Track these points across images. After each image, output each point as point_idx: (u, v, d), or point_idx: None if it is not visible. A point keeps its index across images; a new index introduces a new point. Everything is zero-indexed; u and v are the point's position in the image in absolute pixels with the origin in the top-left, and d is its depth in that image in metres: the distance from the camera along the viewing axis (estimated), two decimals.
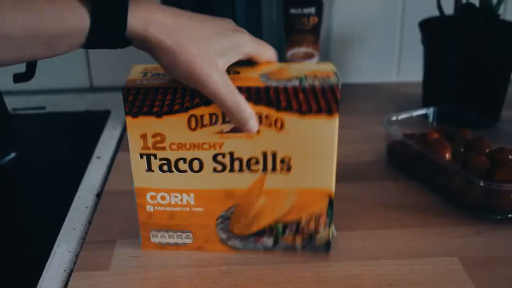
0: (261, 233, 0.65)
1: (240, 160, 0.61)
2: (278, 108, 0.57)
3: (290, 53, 0.99)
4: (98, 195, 0.79)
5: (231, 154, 0.60)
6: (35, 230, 0.74)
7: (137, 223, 0.66)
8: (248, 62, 0.61)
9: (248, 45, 0.59)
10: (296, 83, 0.57)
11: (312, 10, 0.95)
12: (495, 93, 0.95)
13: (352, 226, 0.71)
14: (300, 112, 0.57)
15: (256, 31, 0.89)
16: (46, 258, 0.66)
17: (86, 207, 0.76)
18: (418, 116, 0.89)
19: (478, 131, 0.82)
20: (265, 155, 0.60)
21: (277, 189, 0.62)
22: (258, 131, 0.59)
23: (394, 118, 0.86)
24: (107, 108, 1.05)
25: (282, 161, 0.60)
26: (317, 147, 0.59)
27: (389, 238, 0.69)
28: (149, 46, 0.54)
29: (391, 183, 0.80)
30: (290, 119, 0.58)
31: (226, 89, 0.55)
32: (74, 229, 0.71)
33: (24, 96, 1.07)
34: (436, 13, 0.96)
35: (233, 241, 0.65)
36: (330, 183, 0.61)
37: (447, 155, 0.76)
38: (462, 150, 0.80)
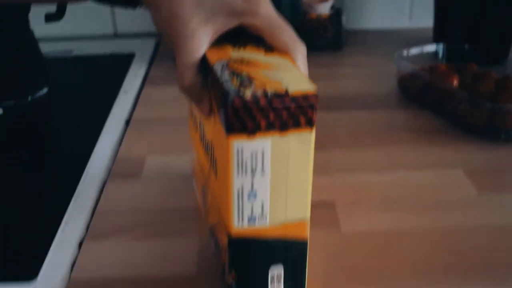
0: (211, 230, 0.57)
1: (206, 140, 0.54)
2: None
3: None
4: (127, 122, 0.85)
5: (201, 123, 0.55)
6: (67, 155, 0.80)
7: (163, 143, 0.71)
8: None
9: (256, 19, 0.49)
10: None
11: None
12: (504, 32, 0.99)
13: (362, 143, 0.76)
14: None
15: None
16: (80, 175, 0.71)
17: (116, 132, 0.81)
18: (428, 53, 0.94)
19: (486, 68, 0.87)
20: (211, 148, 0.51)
21: (213, 192, 0.53)
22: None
23: (405, 53, 0.91)
24: (132, 51, 1.10)
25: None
26: None
27: (399, 153, 0.74)
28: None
29: (401, 111, 0.85)
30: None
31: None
32: (107, 148, 0.77)
33: (51, 42, 1.13)
34: None
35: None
36: (230, 220, 0.46)
37: (455, 82, 0.81)
38: (469, 81, 0.85)
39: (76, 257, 0.58)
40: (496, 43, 1.00)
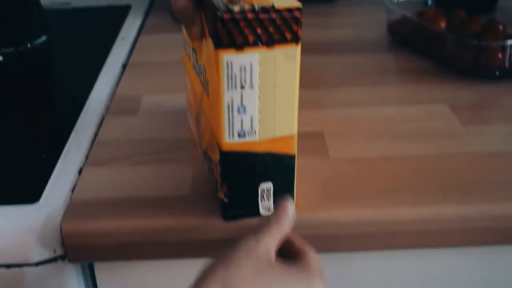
0: (205, 153, 0.59)
1: (198, 66, 0.55)
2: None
3: None
4: (124, 66, 0.87)
5: (194, 50, 0.57)
6: (67, 95, 0.83)
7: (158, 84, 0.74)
8: None
9: None
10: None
11: None
12: None
13: (352, 83, 0.79)
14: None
15: None
16: (80, 112, 0.74)
17: (113, 74, 0.84)
18: (418, 0, 0.96)
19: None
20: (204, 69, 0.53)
21: (206, 114, 0.55)
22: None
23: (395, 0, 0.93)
24: (128, 3, 1.12)
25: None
26: None
27: (387, 91, 0.77)
28: None
29: (391, 54, 0.88)
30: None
31: None
32: (105, 88, 0.80)
33: None
34: None
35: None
36: (221, 135, 0.49)
37: (442, 25, 0.83)
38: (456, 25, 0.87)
39: (77, 182, 0.61)
40: None
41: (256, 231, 0.47)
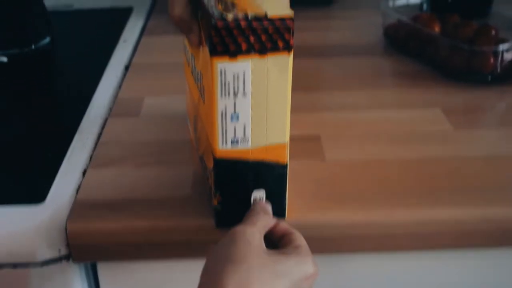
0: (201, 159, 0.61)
1: (196, 72, 0.57)
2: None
3: None
4: (126, 68, 0.89)
5: (193, 55, 0.59)
6: (70, 97, 0.84)
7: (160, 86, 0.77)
8: None
9: None
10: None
11: None
12: None
13: (347, 87, 0.81)
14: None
15: None
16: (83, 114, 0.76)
17: (116, 77, 0.86)
18: (413, 5, 0.98)
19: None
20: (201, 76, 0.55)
21: (202, 119, 0.57)
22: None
23: (390, 3, 0.95)
24: (130, 5, 1.14)
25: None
26: None
27: (381, 95, 0.79)
28: None
29: (386, 58, 0.90)
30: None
31: None
32: (107, 90, 0.82)
33: None
34: None
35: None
36: (215, 142, 0.51)
37: (436, 29, 0.86)
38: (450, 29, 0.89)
39: (81, 182, 0.63)
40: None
41: (248, 222, 0.50)
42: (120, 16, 1.10)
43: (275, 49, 0.48)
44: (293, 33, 0.47)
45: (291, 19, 0.47)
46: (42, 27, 0.99)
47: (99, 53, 0.95)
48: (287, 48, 0.48)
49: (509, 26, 0.89)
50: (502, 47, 0.79)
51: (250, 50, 0.47)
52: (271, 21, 0.47)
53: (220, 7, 0.47)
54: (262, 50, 0.47)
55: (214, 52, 0.47)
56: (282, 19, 0.47)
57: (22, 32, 0.97)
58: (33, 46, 0.96)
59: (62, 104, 0.83)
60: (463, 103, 0.77)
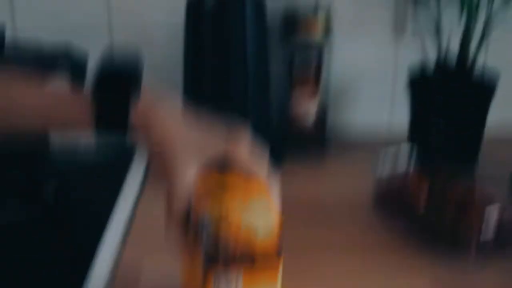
0: None
1: None
2: None
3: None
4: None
5: None
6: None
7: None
8: None
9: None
10: None
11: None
12: (471, 146, 1.09)
13: (332, 251, 0.84)
14: None
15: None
16: None
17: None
18: (404, 153, 1.02)
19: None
20: None
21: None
22: None
23: (381, 159, 1.00)
24: None
25: None
26: None
27: (369, 261, 0.83)
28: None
29: (376, 220, 0.93)
30: None
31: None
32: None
33: None
34: None
35: None
36: None
37: (423, 196, 0.90)
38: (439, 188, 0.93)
39: None
40: (466, 145, 1.09)
41: None
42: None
43: None
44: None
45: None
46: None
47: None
48: None
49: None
50: (486, 214, 0.83)
51: None
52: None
53: None
54: None
55: None
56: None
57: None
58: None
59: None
60: (450, 276, 0.79)
